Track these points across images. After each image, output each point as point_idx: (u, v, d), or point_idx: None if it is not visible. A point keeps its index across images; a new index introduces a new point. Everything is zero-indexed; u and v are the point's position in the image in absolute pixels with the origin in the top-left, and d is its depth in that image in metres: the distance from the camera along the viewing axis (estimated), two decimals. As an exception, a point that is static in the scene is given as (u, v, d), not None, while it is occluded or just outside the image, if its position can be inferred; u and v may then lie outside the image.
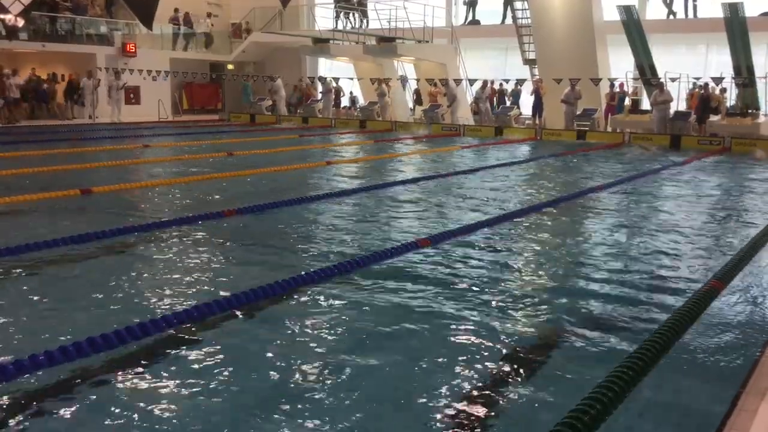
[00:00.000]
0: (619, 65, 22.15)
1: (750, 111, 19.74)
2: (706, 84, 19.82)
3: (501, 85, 23.92)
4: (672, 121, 20.03)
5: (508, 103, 23.96)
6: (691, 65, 21.78)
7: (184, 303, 4.87)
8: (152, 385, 3.67)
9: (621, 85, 21.91)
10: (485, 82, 23.42)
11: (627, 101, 21.81)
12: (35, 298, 5.02)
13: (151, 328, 4.24)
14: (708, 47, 23.71)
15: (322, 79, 27.73)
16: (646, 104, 22.09)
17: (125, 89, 24.78)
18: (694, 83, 20.49)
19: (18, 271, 5.64)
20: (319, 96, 28.45)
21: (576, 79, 20.67)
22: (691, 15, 22.47)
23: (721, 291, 5.13)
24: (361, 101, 27.23)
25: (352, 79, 27.17)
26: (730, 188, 11.69)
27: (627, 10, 20.19)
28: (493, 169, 13.19)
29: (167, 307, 4.82)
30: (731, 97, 20.72)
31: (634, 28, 20.34)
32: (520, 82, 23.14)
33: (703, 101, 19.75)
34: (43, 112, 23.84)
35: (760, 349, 4.18)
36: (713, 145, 18.56)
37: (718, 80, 19.78)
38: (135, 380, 3.73)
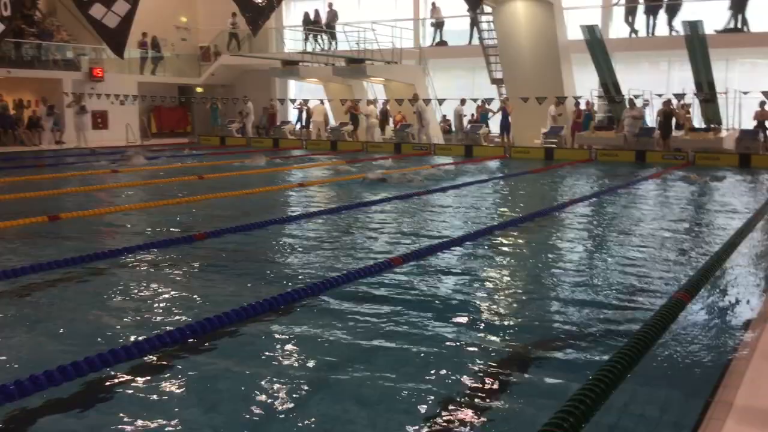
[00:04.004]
0: (584, 84, 22.56)
1: (712, 126, 20.21)
2: (669, 100, 20.27)
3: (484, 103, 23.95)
4: (637, 136, 20.44)
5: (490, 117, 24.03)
6: (654, 82, 22.24)
7: (155, 329, 4.83)
8: (118, 415, 3.61)
9: (587, 103, 22.31)
10: (463, 100, 23.53)
11: (594, 119, 22.21)
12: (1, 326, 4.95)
13: (121, 355, 4.20)
14: (670, 64, 24.24)
15: (292, 101, 27.92)
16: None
17: (92, 114, 24.56)
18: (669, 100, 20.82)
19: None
20: (290, 118, 28.64)
21: (563, 97, 21.09)
22: (660, 32, 22.91)
23: (687, 303, 5.23)
24: (332, 122, 27.30)
25: (322, 101, 27.26)
26: (693, 202, 11.93)
27: (590, 30, 20.59)
28: (464, 187, 13.30)
29: (137, 333, 4.77)
30: (696, 113, 21.20)
31: (597, 47, 20.74)
32: (487, 101, 23.40)
33: (666, 117, 20.19)
34: (9, 139, 23.51)
35: (727, 359, 4.27)
36: (677, 160, 18.94)
37: (680, 96, 20.25)
38: (102, 409, 3.68)
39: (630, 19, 23.28)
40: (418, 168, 16.64)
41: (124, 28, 14.50)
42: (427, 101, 23.65)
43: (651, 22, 22.99)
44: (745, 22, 21.50)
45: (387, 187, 12.88)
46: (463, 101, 23.40)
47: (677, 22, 21.91)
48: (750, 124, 19.95)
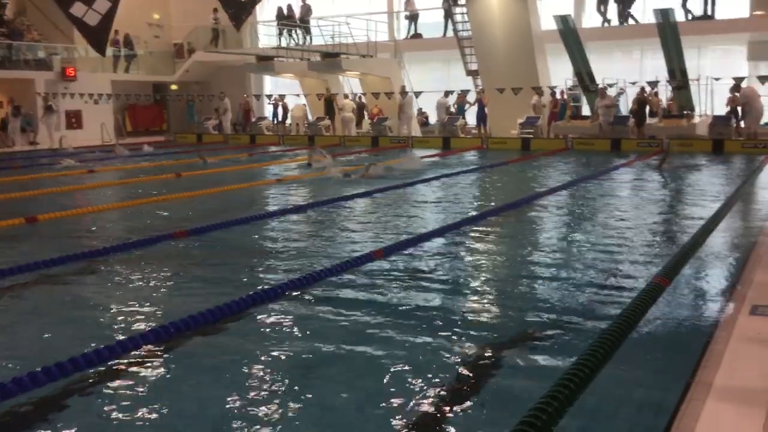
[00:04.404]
0: (559, 73, 22.71)
1: (685, 112, 20.46)
2: (643, 88, 20.48)
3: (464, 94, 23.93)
4: (612, 125, 20.65)
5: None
6: (628, 71, 22.46)
7: (136, 328, 4.82)
8: (97, 417, 3.60)
9: (562, 93, 22.48)
10: (447, 92, 23.52)
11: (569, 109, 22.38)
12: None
13: (105, 354, 4.19)
14: (642, 53, 24.49)
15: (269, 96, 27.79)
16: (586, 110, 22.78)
17: (66, 113, 24.29)
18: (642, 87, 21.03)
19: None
20: (266, 113, 28.51)
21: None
22: (631, 21, 23.15)
23: (666, 287, 5.32)
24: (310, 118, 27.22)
25: (303, 103, 27.22)
26: (669, 188, 12.09)
27: (563, 20, 20.71)
28: (443, 179, 13.36)
29: (119, 332, 4.75)
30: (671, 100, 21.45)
31: (570, 36, 20.88)
32: (464, 92, 23.49)
33: (641, 105, 20.40)
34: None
35: (706, 341, 4.35)
36: (652, 147, 19.16)
37: (653, 84, 20.47)
38: (82, 412, 3.68)
39: (602, 8, 23.47)
40: (393, 162, 16.68)
41: (105, 26, 14.41)
42: (405, 94, 23.61)
43: (624, 11, 23.16)
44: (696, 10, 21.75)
45: (362, 182, 12.89)
46: (447, 93, 23.47)
47: (637, 12, 22.31)
48: (723, 110, 20.22)
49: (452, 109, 23.96)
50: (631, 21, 22.93)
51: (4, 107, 24.33)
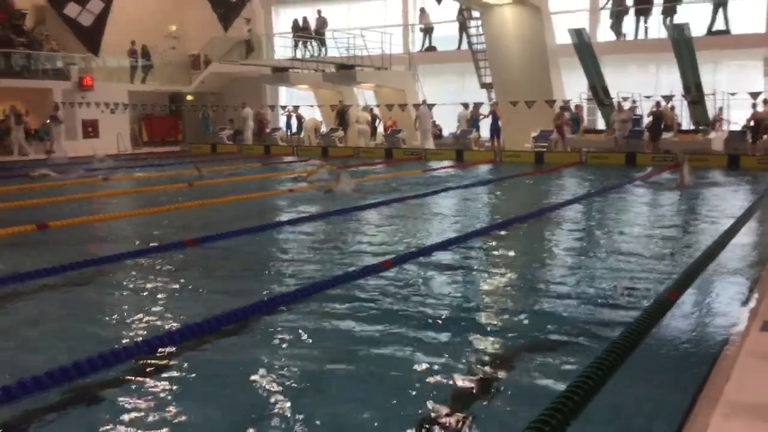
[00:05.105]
0: (573, 87, 22.65)
1: (701, 127, 20.32)
2: (658, 102, 20.36)
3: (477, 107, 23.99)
4: (627, 139, 20.53)
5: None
6: (643, 85, 22.35)
7: (144, 334, 4.83)
8: (109, 420, 3.61)
9: (576, 107, 22.39)
10: (466, 105, 23.57)
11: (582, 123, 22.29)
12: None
13: (110, 360, 4.20)
14: (658, 67, 24.38)
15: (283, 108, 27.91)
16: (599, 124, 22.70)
17: (82, 122, 24.51)
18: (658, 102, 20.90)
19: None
20: (281, 124, 28.64)
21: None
22: (642, 36, 23.09)
23: (675, 301, 5.26)
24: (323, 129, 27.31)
25: (314, 116, 27.36)
26: (682, 203, 11.99)
27: (578, 34, 20.68)
28: (454, 191, 13.33)
29: (127, 338, 4.76)
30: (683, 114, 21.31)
31: (585, 50, 20.84)
32: (478, 105, 23.49)
33: (656, 119, 20.29)
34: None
35: (714, 356, 4.29)
36: (667, 161, 19.03)
37: (668, 98, 20.35)
38: (96, 416, 3.68)
39: (617, 23, 23.38)
40: (400, 173, 16.69)
41: (99, 26, 14.51)
42: (418, 106, 23.62)
43: (641, 25, 23.09)
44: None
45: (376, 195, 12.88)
46: (466, 106, 23.48)
47: (652, 26, 22.30)
48: (739, 125, 20.05)
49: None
50: (627, 35, 23.03)
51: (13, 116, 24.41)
